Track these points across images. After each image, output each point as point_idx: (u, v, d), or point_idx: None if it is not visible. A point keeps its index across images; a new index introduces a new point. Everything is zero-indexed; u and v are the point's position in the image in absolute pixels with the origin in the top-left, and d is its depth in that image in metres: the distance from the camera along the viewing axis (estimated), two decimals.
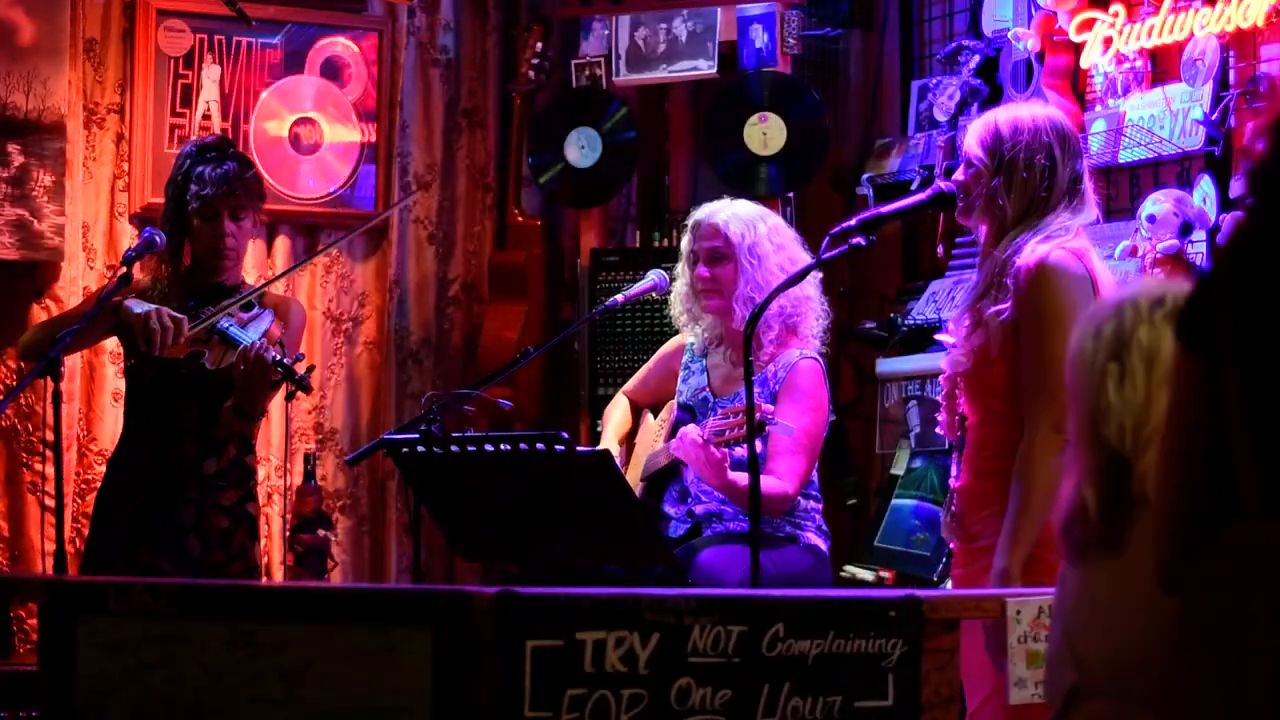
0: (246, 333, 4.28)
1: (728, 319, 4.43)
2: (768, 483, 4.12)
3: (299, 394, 5.79)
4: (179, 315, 4.26)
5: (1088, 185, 3.65)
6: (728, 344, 4.50)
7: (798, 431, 4.22)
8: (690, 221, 4.52)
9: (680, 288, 4.53)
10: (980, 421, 3.60)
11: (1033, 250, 3.52)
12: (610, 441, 4.60)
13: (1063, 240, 3.55)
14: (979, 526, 3.57)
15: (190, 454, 4.41)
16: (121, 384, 5.00)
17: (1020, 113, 3.66)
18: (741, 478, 4.05)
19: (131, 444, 4.49)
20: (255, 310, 4.37)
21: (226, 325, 4.30)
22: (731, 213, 4.45)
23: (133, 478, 4.43)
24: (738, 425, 4.04)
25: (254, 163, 4.60)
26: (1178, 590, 2.05)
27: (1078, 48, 5.06)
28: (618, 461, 4.35)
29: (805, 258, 4.38)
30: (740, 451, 4.08)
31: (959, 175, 3.69)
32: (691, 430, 4.18)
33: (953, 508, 3.66)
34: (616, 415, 4.70)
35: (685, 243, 4.52)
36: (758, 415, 3.80)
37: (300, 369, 4.20)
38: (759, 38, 5.78)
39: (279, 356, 4.19)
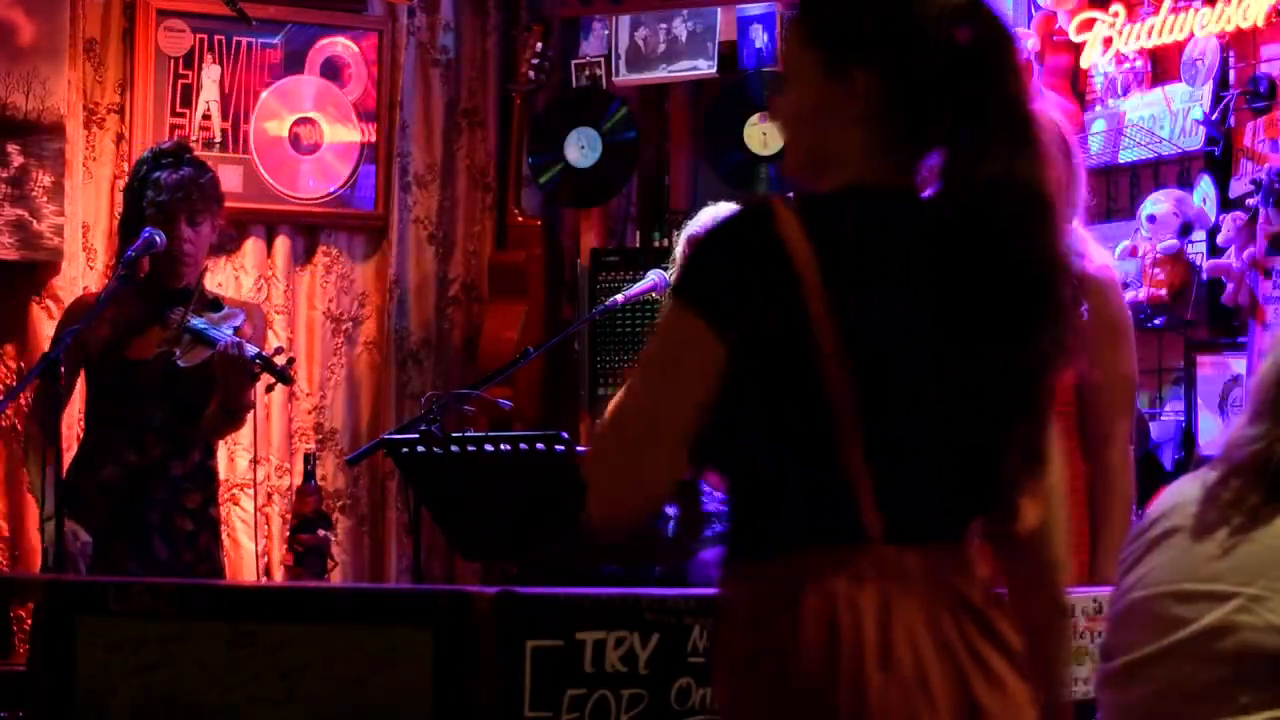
0: (221, 330, 4.29)
1: None
2: None
3: (298, 395, 5.85)
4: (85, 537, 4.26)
5: None
6: None
7: None
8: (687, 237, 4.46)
9: None
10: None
11: (1097, 257, 3.47)
12: None
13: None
14: None
15: (157, 456, 4.39)
16: None
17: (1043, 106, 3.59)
18: None
19: (96, 443, 4.46)
20: (225, 310, 4.38)
21: (199, 324, 4.30)
22: None
23: (98, 477, 4.40)
24: None
25: (211, 168, 4.54)
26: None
27: (1078, 48, 5.06)
28: None
29: None
30: None
31: None
32: None
33: None
34: None
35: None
36: None
37: (280, 361, 4.22)
38: (759, 38, 5.77)
39: (257, 350, 4.22)
